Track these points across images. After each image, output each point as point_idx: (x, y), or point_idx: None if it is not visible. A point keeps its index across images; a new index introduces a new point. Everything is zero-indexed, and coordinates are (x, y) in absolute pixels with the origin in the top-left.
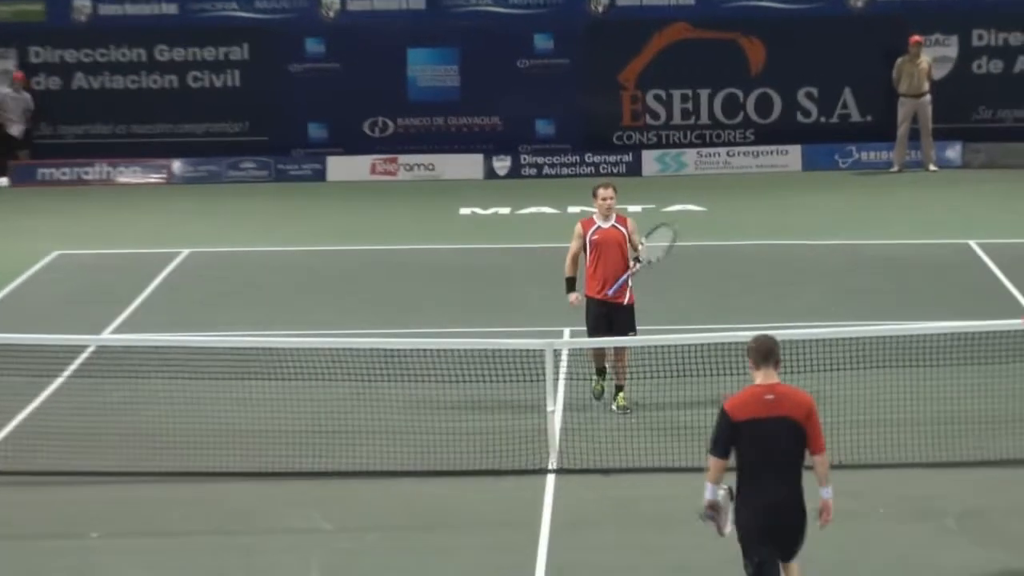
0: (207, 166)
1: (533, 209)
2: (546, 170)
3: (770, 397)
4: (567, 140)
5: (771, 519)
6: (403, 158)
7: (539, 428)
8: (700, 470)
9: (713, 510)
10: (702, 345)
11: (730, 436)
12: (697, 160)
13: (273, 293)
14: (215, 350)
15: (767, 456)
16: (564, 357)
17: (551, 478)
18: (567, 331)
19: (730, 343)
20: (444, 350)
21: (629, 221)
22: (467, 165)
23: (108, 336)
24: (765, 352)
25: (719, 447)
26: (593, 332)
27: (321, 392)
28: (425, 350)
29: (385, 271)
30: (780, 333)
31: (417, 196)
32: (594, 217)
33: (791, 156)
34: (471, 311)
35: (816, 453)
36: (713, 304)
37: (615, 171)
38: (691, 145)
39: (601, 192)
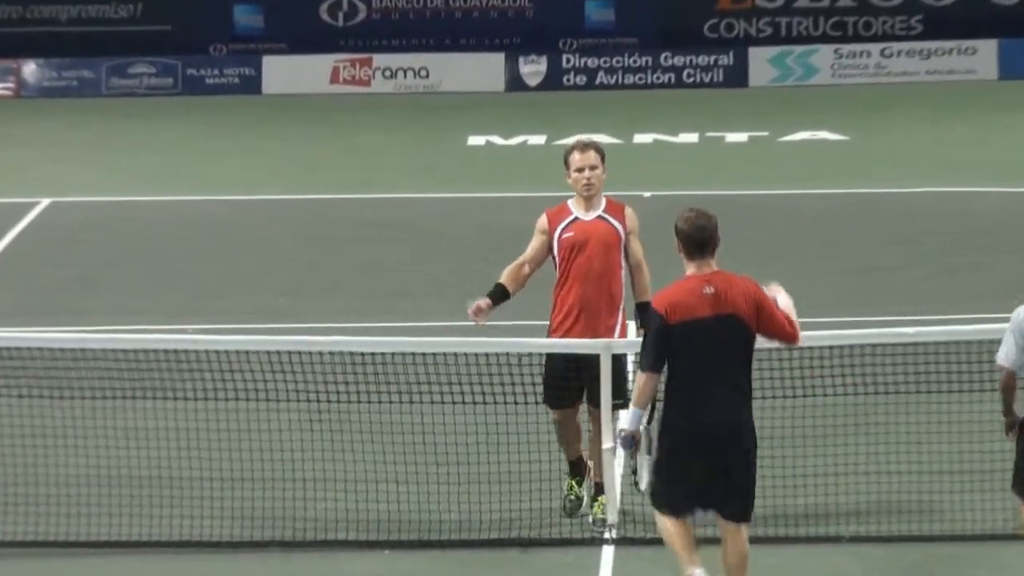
0: (78, 71)
1: (581, 138)
2: (601, 78)
3: (710, 291)
4: (633, 32)
5: (707, 449)
6: (381, 59)
7: (589, 474)
8: (826, 540)
9: (634, 444)
10: (843, 347)
11: (665, 343)
12: (834, 63)
13: (179, 266)
14: (87, 353)
15: (706, 367)
16: (629, 364)
17: (608, 552)
18: (632, 325)
19: (888, 345)
20: (444, 354)
21: (629, 213)
22: (480, 71)
23: None
24: (701, 241)
25: (652, 358)
26: (556, 400)
27: (252, 418)
28: (415, 355)
29: (352, 234)
30: (964, 330)
31: (403, 118)
32: (569, 204)
33: (981, 57)
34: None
35: (792, 342)
36: (858, 283)
37: (707, 79)
38: (824, 39)
39: (576, 159)
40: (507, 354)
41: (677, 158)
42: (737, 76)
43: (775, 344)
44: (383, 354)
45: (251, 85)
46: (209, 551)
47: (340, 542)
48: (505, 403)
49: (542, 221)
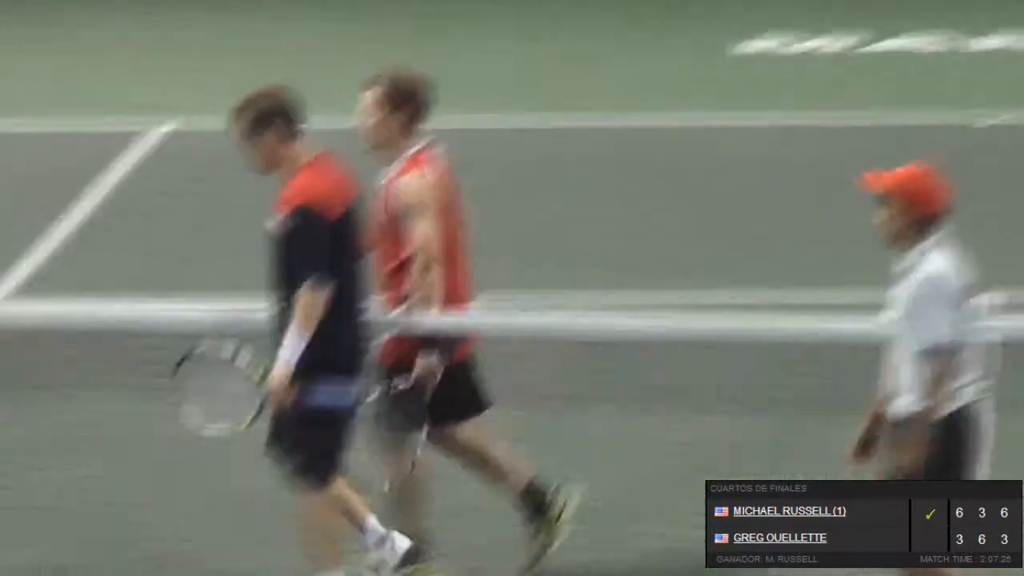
0: None
1: (912, 40)
2: None
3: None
4: None
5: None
6: None
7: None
8: None
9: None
10: None
11: (326, 245)
12: None
13: None
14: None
15: (357, 269)
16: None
17: None
18: None
19: None
20: (684, 341)
21: (404, 180)
22: None
23: None
24: (284, 108)
25: (323, 266)
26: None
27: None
28: (647, 341)
29: (586, 171)
30: None
31: (647, 18)
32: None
33: None
34: (759, 258)
35: None
36: None
37: None
38: None
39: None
40: (784, 339)
41: None
42: None
43: None
44: (614, 335)
45: None
46: None
47: None
48: (754, 410)
49: None
